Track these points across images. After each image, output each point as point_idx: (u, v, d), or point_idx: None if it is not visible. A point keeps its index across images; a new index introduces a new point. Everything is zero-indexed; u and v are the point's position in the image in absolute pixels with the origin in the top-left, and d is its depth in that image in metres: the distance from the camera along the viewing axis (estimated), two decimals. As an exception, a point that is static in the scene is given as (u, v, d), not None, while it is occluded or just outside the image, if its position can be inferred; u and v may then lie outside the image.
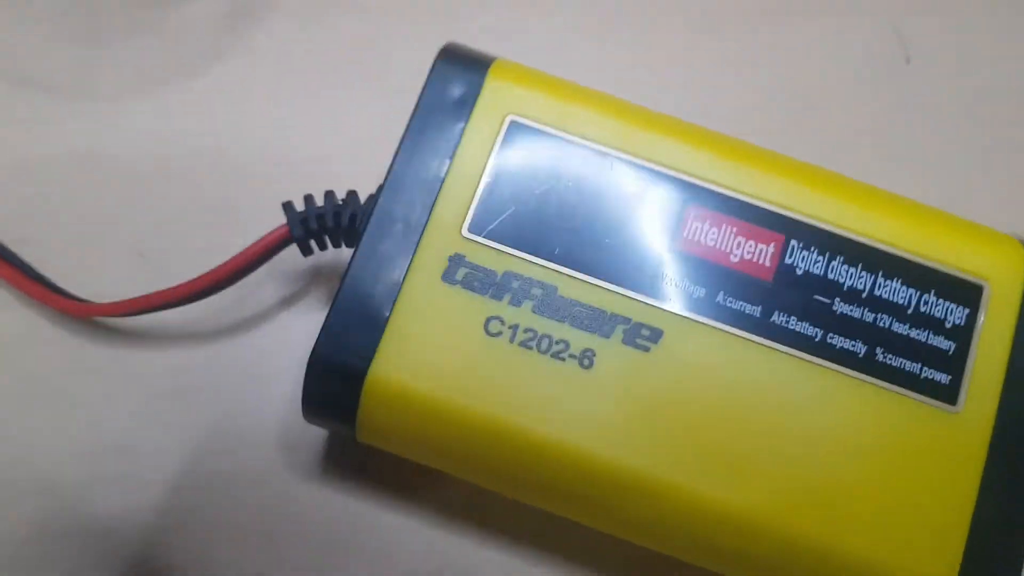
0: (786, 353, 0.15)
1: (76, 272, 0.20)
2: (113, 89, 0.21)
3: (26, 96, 0.21)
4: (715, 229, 0.16)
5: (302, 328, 0.19)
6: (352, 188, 0.18)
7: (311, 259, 0.19)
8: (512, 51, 0.18)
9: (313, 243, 0.18)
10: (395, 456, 0.17)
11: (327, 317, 0.15)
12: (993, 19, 0.23)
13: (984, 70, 0.22)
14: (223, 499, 0.18)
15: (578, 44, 0.22)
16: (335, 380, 0.15)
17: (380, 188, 0.16)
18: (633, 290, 0.16)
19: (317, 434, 0.19)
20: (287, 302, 0.20)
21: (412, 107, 0.17)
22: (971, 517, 0.15)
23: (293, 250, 0.18)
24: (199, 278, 0.17)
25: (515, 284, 0.15)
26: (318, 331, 0.15)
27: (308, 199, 0.18)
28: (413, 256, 0.15)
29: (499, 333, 0.15)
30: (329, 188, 0.18)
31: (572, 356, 0.15)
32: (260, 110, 0.21)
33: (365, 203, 0.17)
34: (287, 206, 0.18)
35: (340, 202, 0.17)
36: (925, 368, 0.16)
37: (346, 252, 0.19)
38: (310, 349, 0.15)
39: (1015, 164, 0.22)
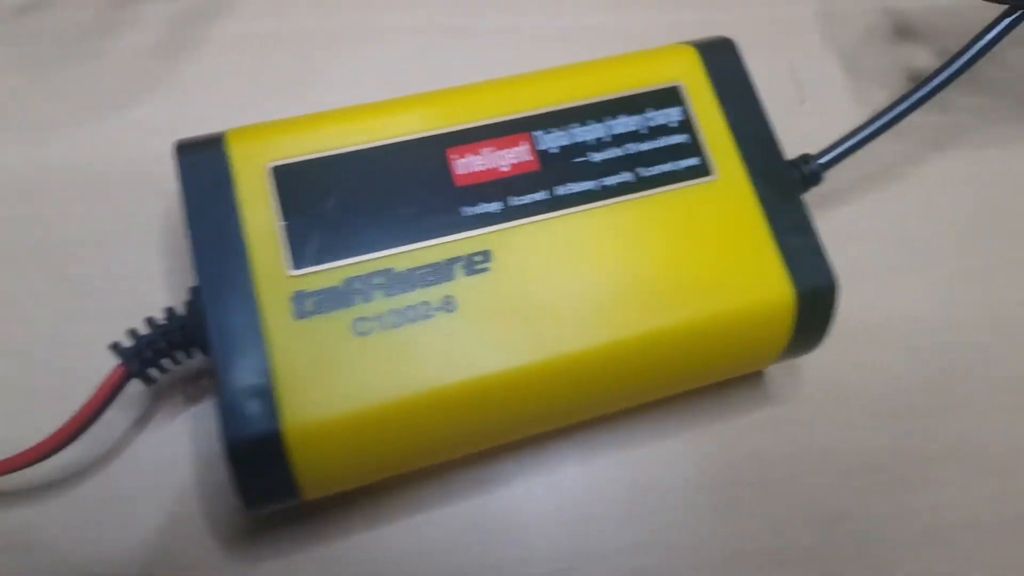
0: (584, 211, 0.18)
1: None
2: (48, 117, 0.23)
3: None
4: (477, 156, 0.19)
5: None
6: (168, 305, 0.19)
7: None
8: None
9: (153, 371, 0.18)
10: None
11: (220, 409, 0.16)
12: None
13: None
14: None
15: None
16: (257, 453, 0.16)
17: (196, 288, 0.17)
18: (447, 235, 0.18)
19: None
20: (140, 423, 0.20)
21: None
22: (774, 240, 0.19)
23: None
24: (49, 439, 0.17)
25: (357, 285, 0.17)
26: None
27: (133, 332, 0.18)
28: (260, 319, 0.17)
29: (370, 329, 0.17)
30: None
31: (436, 309, 0.17)
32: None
33: (187, 310, 0.18)
34: (115, 346, 0.18)
35: (163, 322, 0.18)
36: (677, 162, 0.19)
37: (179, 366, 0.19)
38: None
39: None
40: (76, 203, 0.22)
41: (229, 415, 0.16)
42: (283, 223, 0.17)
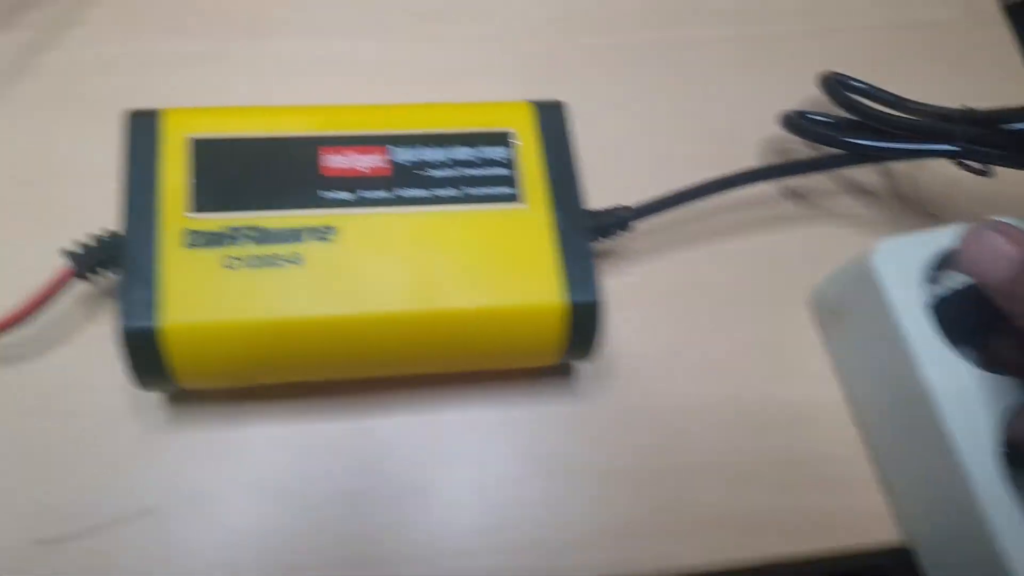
0: (416, 211, 0.25)
1: None
2: None
3: None
4: (341, 156, 0.25)
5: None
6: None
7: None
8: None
9: (93, 275, 0.25)
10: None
11: (119, 302, 0.23)
12: None
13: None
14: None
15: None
16: (142, 345, 0.23)
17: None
18: (309, 208, 0.24)
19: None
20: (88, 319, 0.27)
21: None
22: (560, 262, 0.25)
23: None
24: (8, 314, 0.24)
25: (233, 233, 0.24)
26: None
27: (83, 244, 0.25)
28: (155, 243, 0.23)
29: (235, 266, 0.24)
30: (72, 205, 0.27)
31: (287, 260, 0.24)
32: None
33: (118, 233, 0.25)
34: (66, 252, 0.25)
35: (106, 238, 0.25)
36: (496, 188, 0.26)
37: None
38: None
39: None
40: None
41: (124, 312, 0.23)
42: (193, 180, 0.24)
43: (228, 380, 0.25)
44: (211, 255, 0.23)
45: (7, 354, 0.26)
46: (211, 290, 0.23)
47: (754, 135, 0.33)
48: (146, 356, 0.23)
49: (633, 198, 0.28)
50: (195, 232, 0.24)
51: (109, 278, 0.26)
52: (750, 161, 0.33)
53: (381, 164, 0.26)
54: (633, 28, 0.35)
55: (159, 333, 0.23)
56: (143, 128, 0.24)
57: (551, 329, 0.25)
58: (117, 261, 0.25)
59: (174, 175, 0.24)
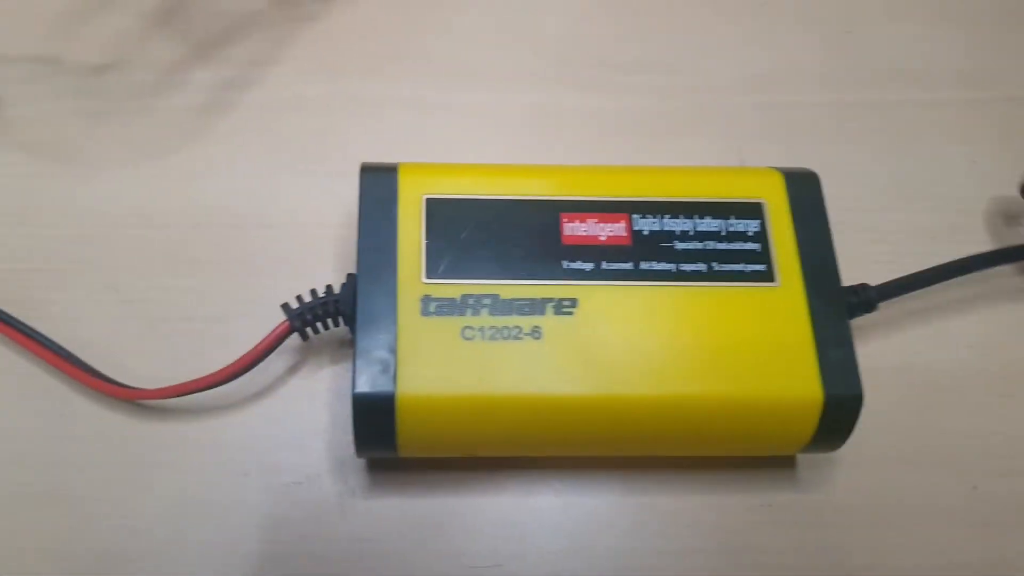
0: (658, 286, 0.23)
1: (61, 307, 0.26)
2: (108, 156, 0.29)
3: (34, 158, 0.28)
4: (583, 224, 0.24)
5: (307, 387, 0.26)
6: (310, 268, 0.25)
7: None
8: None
9: (308, 330, 0.24)
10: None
11: (354, 369, 0.21)
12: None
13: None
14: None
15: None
16: (375, 410, 0.21)
17: (354, 275, 0.23)
18: (547, 279, 0.23)
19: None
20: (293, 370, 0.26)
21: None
22: (815, 348, 0.23)
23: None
24: (224, 369, 0.23)
25: (471, 301, 0.22)
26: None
27: (299, 298, 0.24)
28: (396, 307, 0.22)
29: (473, 336, 0.22)
30: (273, 250, 0.27)
31: (526, 334, 0.22)
32: (222, 182, 0.28)
33: (342, 290, 0.24)
34: (284, 306, 0.24)
35: (323, 295, 0.24)
36: (747, 265, 0.23)
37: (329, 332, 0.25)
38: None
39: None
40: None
41: (360, 374, 0.21)
42: (426, 241, 0.23)
43: (447, 451, 0.23)
44: (448, 324, 0.22)
45: (209, 404, 0.25)
46: (448, 361, 0.22)
47: (981, 203, 0.30)
48: (376, 423, 0.21)
49: (862, 271, 0.25)
50: (430, 299, 0.22)
51: (320, 335, 0.25)
52: (981, 231, 0.29)
53: (623, 233, 0.24)
54: (845, 88, 0.32)
55: (394, 401, 0.21)
56: (382, 184, 0.23)
57: (805, 422, 0.22)
58: (334, 318, 0.24)
59: (411, 236, 0.23)
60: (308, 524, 0.24)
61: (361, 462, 0.25)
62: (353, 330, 0.24)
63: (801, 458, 0.26)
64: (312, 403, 0.25)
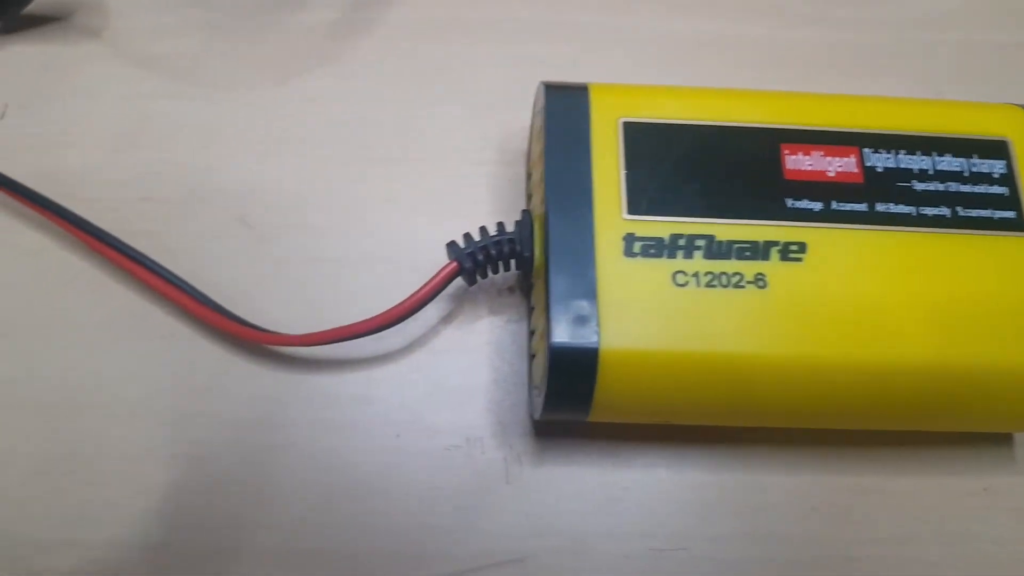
0: (898, 231, 0.19)
1: (190, 239, 0.23)
2: (232, 77, 0.25)
3: (149, 74, 0.25)
4: (807, 156, 0.20)
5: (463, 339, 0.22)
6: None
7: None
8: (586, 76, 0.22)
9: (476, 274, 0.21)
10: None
11: (549, 318, 0.18)
12: None
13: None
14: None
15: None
16: (575, 366, 0.18)
17: (528, 212, 0.20)
18: (770, 219, 0.19)
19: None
20: (446, 320, 0.23)
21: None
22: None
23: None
24: (386, 313, 0.20)
25: (681, 242, 0.19)
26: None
27: (467, 236, 0.21)
28: (594, 247, 0.19)
29: (686, 283, 0.18)
30: (421, 186, 0.23)
31: (749, 282, 0.19)
32: (355, 112, 0.25)
33: (517, 228, 0.20)
34: (451, 244, 0.20)
35: (495, 233, 0.20)
36: (995, 211, 0.20)
37: (499, 276, 0.22)
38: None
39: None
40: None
41: (555, 323, 0.18)
42: (625, 171, 0.19)
43: (643, 417, 0.20)
44: (656, 267, 0.19)
45: (354, 355, 0.22)
46: (658, 311, 0.18)
47: None
48: (573, 381, 0.18)
49: None
50: (633, 237, 0.19)
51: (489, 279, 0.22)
52: None
53: (853, 170, 0.20)
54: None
55: (596, 356, 0.18)
56: (572, 105, 0.20)
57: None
58: (506, 261, 0.21)
59: (608, 166, 0.19)
60: (468, 494, 0.21)
61: (525, 425, 0.21)
62: (527, 274, 0.21)
63: (1018, 436, 0.22)
64: (469, 357, 0.22)
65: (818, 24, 0.27)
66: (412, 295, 0.20)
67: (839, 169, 0.20)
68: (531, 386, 0.21)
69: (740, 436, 0.22)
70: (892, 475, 0.22)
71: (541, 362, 0.19)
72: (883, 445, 0.22)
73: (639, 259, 0.19)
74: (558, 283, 0.18)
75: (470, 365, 0.22)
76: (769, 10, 0.27)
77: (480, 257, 0.20)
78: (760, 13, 0.27)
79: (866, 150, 0.20)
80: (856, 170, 0.20)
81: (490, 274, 0.21)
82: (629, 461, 0.21)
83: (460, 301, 0.23)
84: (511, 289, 0.23)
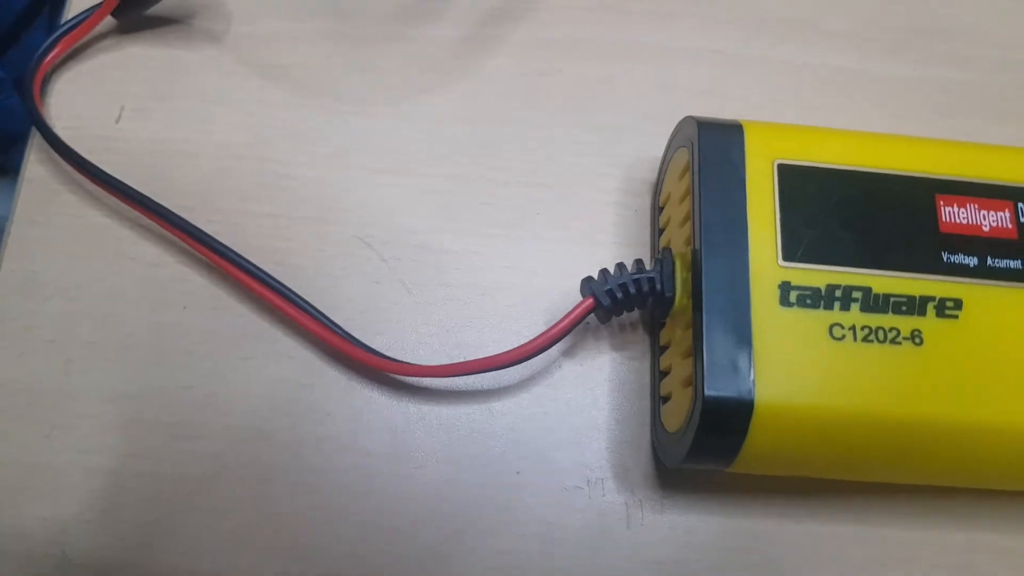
0: (1052, 291, 0.19)
1: (311, 258, 0.23)
2: (356, 91, 0.25)
3: (271, 83, 0.24)
4: (963, 209, 0.19)
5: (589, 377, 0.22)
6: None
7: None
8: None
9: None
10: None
11: (703, 366, 0.18)
12: None
13: None
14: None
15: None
16: (728, 418, 0.17)
17: (669, 249, 0.19)
18: (925, 273, 0.19)
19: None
20: (568, 354, 0.22)
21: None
22: None
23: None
24: (524, 346, 0.20)
25: (838, 293, 0.18)
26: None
27: (604, 272, 0.20)
28: (750, 294, 0.18)
29: (843, 336, 0.18)
30: (548, 214, 0.23)
31: (905, 338, 0.18)
32: (479, 132, 0.24)
33: (657, 267, 0.20)
34: (587, 280, 0.20)
35: (634, 271, 0.20)
36: None
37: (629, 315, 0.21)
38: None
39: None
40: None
41: (710, 373, 0.17)
42: (780, 216, 0.19)
43: (786, 469, 0.20)
44: (811, 320, 0.18)
45: (474, 387, 0.22)
46: (815, 365, 0.18)
47: None
48: (724, 433, 0.18)
49: None
50: (789, 286, 0.18)
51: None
52: None
53: (1008, 225, 0.20)
54: None
55: (751, 409, 0.17)
56: (727, 143, 0.19)
57: None
58: (643, 300, 0.20)
59: (763, 210, 0.19)
60: (590, 537, 0.20)
61: (647, 467, 0.21)
62: (664, 315, 0.21)
63: None
64: (590, 394, 0.22)
65: (953, 64, 0.27)
66: (549, 330, 0.20)
67: (993, 224, 0.19)
68: (659, 429, 0.21)
69: (869, 488, 0.21)
70: (1018, 532, 0.21)
71: (682, 409, 0.19)
72: (1007, 499, 0.21)
73: (795, 309, 0.18)
74: (713, 330, 0.18)
75: (591, 402, 0.22)
76: (904, 49, 0.27)
77: (620, 295, 0.20)
78: (895, 53, 0.27)
79: (1021, 205, 0.20)
80: (1011, 225, 0.19)
81: (624, 313, 0.20)
82: (760, 511, 0.21)
83: (582, 335, 0.22)
84: (633, 325, 0.22)
